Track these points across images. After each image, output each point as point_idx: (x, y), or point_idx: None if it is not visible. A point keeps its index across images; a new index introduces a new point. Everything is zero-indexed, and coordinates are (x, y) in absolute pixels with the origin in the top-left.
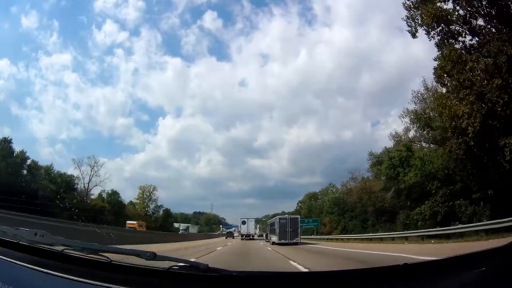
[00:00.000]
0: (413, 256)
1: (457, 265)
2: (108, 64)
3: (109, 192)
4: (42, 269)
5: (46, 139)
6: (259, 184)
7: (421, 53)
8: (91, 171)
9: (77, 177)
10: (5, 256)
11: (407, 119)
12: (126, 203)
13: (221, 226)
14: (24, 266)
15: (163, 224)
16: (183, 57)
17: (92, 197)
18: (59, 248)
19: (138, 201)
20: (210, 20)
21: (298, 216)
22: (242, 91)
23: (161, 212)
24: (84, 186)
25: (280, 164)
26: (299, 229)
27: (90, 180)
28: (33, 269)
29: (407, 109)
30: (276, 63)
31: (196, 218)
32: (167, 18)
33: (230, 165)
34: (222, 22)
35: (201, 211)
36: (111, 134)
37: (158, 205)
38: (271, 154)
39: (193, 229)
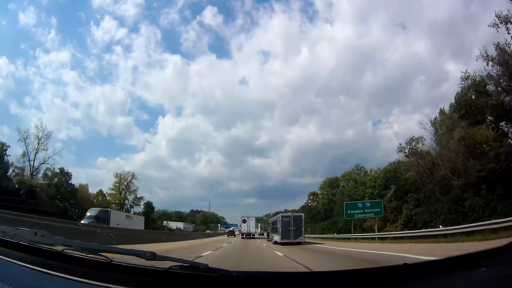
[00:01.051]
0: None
1: (457, 265)
2: (107, 62)
3: (56, 171)
4: (42, 269)
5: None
6: (260, 184)
7: (422, 51)
8: (38, 143)
9: (23, 154)
10: (5, 256)
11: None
12: (78, 188)
13: (219, 225)
14: (24, 266)
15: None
16: (183, 54)
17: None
18: (59, 248)
19: (113, 191)
20: (210, 16)
21: (302, 214)
22: (242, 90)
23: (142, 206)
24: (30, 163)
25: (281, 164)
26: (303, 227)
27: (35, 155)
28: (33, 269)
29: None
30: (277, 60)
31: (193, 216)
32: (167, 14)
33: (231, 165)
34: (222, 18)
35: (198, 210)
36: (111, 133)
37: (138, 196)
38: (272, 154)
39: (135, 223)
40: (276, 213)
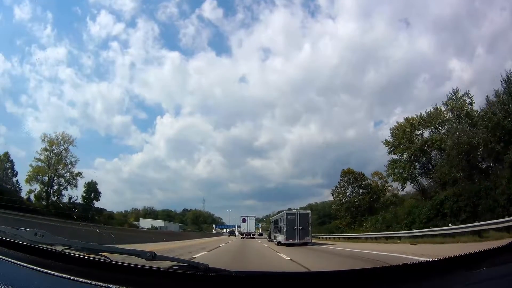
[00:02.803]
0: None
1: (457, 265)
2: (104, 59)
3: None
4: (42, 269)
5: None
6: (259, 186)
7: (426, 48)
8: None
9: None
10: (5, 256)
11: None
12: None
13: (213, 225)
14: (24, 266)
15: (85, 207)
16: (181, 51)
17: None
18: (59, 248)
19: (40, 162)
20: (209, 9)
21: (309, 212)
22: (242, 88)
23: (79, 186)
24: None
25: (281, 165)
26: (310, 226)
27: None
28: (33, 269)
29: None
30: (278, 57)
31: (183, 215)
32: (165, 7)
33: (230, 166)
34: (222, 11)
35: (189, 208)
36: (109, 133)
37: (76, 172)
38: (272, 154)
39: None
40: (279, 212)
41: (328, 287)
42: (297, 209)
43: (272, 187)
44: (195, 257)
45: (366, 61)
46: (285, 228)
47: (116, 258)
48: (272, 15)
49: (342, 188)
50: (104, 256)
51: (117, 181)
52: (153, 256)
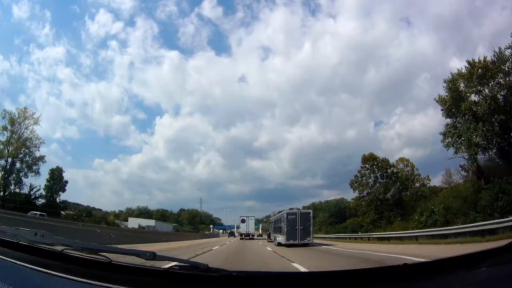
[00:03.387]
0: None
1: (457, 265)
2: (102, 58)
3: None
4: (42, 269)
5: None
6: (259, 186)
7: (427, 47)
8: None
9: None
10: (5, 256)
11: None
12: None
13: (211, 226)
14: (24, 266)
15: (48, 198)
16: (180, 50)
17: None
18: (59, 248)
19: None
20: (209, 7)
21: (311, 211)
22: (242, 88)
23: (42, 172)
24: None
25: (280, 166)
26: (311, 226)
27: None
28: (33, 269)
29: None
30: (278, 57)
31: (178, 215)
32: (164, 6)
33: (230, 167)
34: (222, 10)
35: (185, 208)
36: (108, 133)
37: (37, 156)
38: (272, 155)
39: None
40: (280, 212)
41: (328, 287)
42: (298, 209)
43: (272, 188)
44: None
45: (366, 60)
46: (285, 228)
47: (116, 258)
48: (272, 14)
49: (364, 178)
50: (104, 256)
51: (116, 182)
52: (153, 256)
